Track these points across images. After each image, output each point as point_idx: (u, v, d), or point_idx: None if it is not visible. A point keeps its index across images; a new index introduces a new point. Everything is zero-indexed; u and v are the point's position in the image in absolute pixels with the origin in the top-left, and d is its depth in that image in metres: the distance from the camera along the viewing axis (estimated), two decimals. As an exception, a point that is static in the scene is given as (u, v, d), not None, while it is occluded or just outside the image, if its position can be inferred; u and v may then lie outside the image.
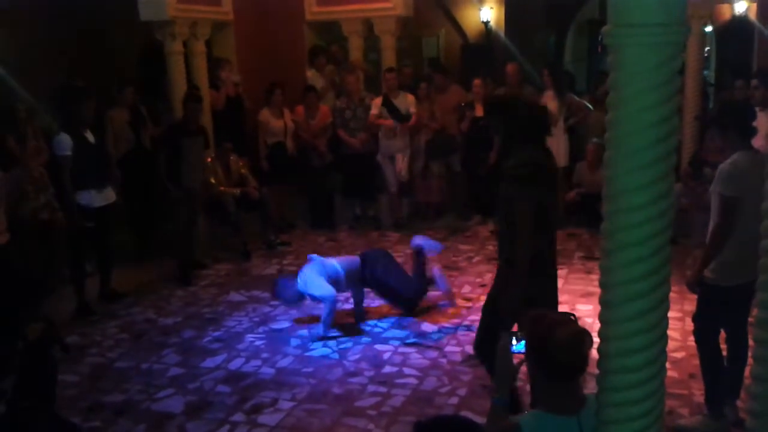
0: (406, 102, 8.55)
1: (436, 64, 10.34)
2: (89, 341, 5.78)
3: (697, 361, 4.29)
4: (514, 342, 2.38)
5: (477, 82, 8.53)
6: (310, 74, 9.32)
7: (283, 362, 5.29)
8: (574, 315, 2.38)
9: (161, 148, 7.39)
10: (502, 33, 11.85)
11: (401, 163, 8.67)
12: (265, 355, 5.41)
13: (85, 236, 6.30)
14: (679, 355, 4.76)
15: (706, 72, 11.37)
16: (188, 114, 7.24)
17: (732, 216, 3.86)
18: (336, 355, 5.36)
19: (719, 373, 4.18)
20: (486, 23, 11.74)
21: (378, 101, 8.54)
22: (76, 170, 6.12)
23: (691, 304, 4.50)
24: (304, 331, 5.80)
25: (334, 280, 5.76)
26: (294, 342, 5.62)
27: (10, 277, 4.79)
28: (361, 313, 6.05)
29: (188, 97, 7.36)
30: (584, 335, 2.25)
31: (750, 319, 5.39)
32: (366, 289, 6.10)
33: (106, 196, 6.41)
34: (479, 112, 8.45)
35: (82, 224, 6.15)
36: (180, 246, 7.29)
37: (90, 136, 6.26)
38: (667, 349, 2.22)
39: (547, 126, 4.12)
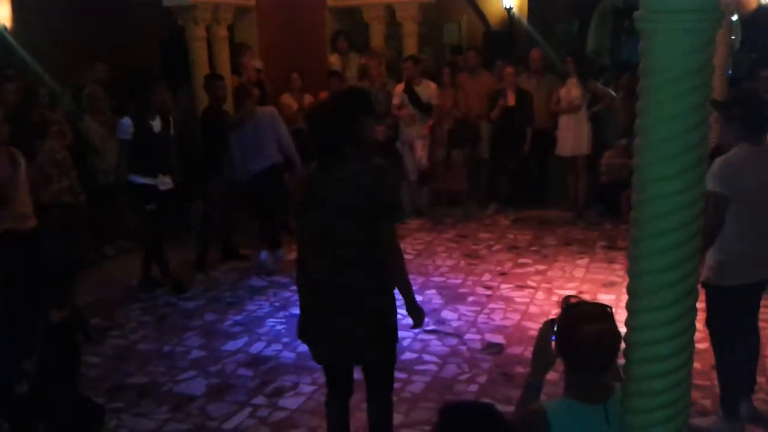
0: (429, 90, 8.46)
1: (460, 49, 10.27)
2: (112, 323, 5.85)
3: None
4: (555, 328, 2.33)
5: (510, 70, 8.38)
6: (333, 59, 9.30)
7: (304, 347, 5.21)
8: (610, 307, 2.28)
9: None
10: (524, 20, 11.78)
11: (421, 150, 8.63)
12: (285, 339, 5.43)
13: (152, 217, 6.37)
14: (702, 346, 4.69)
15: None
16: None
17: (721, 213, 3.68)
18: (356, 341, 5.37)
19: (736, 377, 4.09)
20: (509, 10, 11.67)
21: (400, 88, 8.48)
22: (136, 155, 6.20)
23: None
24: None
25: None
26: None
27: (37, 260, 4.85)
28: None
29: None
30: (611, 335, 2.18)
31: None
32: None
33: (164, 182, 6.41)
34: (511, 101, 8.36)
35: (142, 206, 6.28)
36: (200, 232, 7.29)
37: (156, 124, 6.29)
38: (692, 340, 2.19)
39: None
